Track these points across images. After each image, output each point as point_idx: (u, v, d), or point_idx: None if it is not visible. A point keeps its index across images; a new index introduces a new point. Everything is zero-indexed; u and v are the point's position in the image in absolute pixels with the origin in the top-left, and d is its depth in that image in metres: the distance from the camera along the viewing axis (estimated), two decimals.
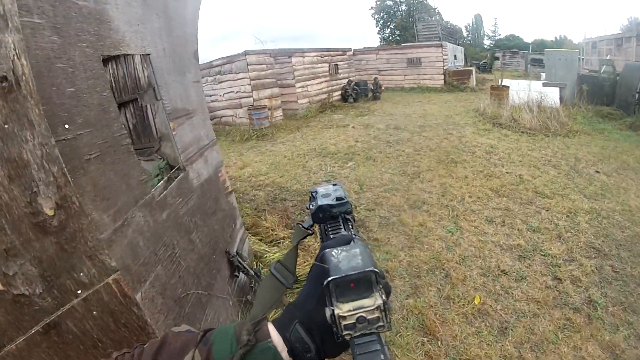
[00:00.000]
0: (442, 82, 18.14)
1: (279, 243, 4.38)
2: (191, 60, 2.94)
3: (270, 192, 6.25)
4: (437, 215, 5.02)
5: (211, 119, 11.97)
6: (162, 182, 2.32)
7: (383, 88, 16.57)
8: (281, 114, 12.65)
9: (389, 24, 41.43)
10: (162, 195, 2.20)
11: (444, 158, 7.29)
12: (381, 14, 41.42)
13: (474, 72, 18.63)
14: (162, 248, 2.10)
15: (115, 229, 1.76)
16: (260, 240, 4.50)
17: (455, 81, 17.98)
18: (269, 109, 11.54)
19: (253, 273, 3.14)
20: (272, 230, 4.66)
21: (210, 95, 12.93)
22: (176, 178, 2.46)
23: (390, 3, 41.03)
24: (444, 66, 18.27)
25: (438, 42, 19.98)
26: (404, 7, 40.50)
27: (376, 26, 42.19)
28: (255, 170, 7.66)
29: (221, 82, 12.37)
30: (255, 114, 11.01)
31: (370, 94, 16.43)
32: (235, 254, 3.03)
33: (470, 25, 45.65)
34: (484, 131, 9.40)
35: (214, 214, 2.96)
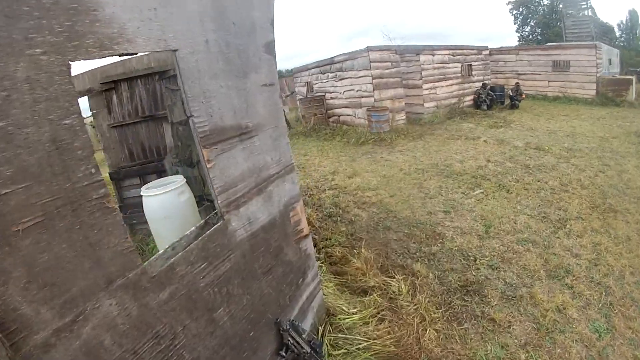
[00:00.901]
0: (594, 92, 14.31)
1: (366, 294, 3.45)
2: (261, 56, 2.17)
3: (374, 215, 5.32)
4: (584, 297, 3.43)
5: (329, 117, 11.62)
6: (172, 246, 1.62)
7: (524, 96, 13.82)
8: (404, 117, 11.45)
9: (529, 20, 35.41)
10: (165, 266, 1.51)
11: (600, 202, 5.29)
12: (520, 9, 35.49)
13: (634, 82, 14.20)
14: (150, 342, 1.43)
15: (58, 329, 1.13)
16: (344, 284, 3.64)
17: (610, 92, 14.01)
18: (390, 112, 10.49)
19: (309, 350, 2.30)
20: (362, 273, 3.76)
21: (330, 92, 12.52)
22: (207, 231, 1.75)
23: None
24: (597, 72, 14.37)
25: (591, 43, 15.74)
26: (546, 1, 33.88)
27: (514, 23, 36.38)
28: (364, 182, 6.80)
29: (342, 79, 11.79)
30: (375, 115, 10.11)
31: (507, 102, 13.93)
32: (288, 326, 2.24)
33: (624, 23, 35.59)
34: None
35: (269, 273, 2.21)
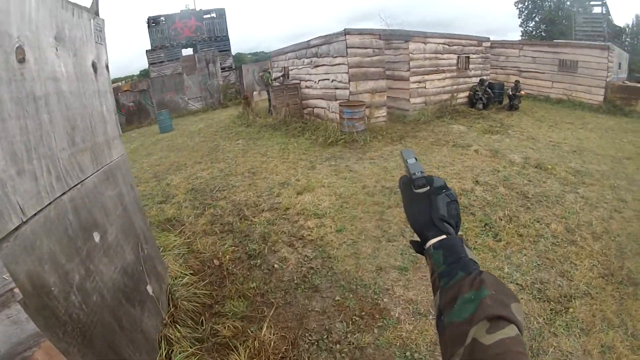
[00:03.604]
0: (602, 98, 12.72)
1: None
2: None
3: (305, 262, 3.92)
4: None
5: (304, 108, 10.03)
6: None
7: (524, 93, 12.16)
8: (385, 114, 9.88)
9: (534, 15, 33.93)
10: None
11: (616, 266, 3.79)
12: (526, 3, 34.13)
13: None
14: None
15: None
16: None
17: (618, 100, 12.44)
18: (368, 107, 8.95)
19: None
20: None
21: (306, 80, 10.94)
22: None
23: None
24: (607, 77, 12.75)
25: (604, 44, 13.97)
26: None
27: (519, 17, 34.94)
28: (314, 202, 5.33)
29: (317, 65, 10.15)
30: (348, 112, 8.54)
31: (506, 101, 12.32)
32: None
33: (630, 27, 33.76)
34: None
35: None
